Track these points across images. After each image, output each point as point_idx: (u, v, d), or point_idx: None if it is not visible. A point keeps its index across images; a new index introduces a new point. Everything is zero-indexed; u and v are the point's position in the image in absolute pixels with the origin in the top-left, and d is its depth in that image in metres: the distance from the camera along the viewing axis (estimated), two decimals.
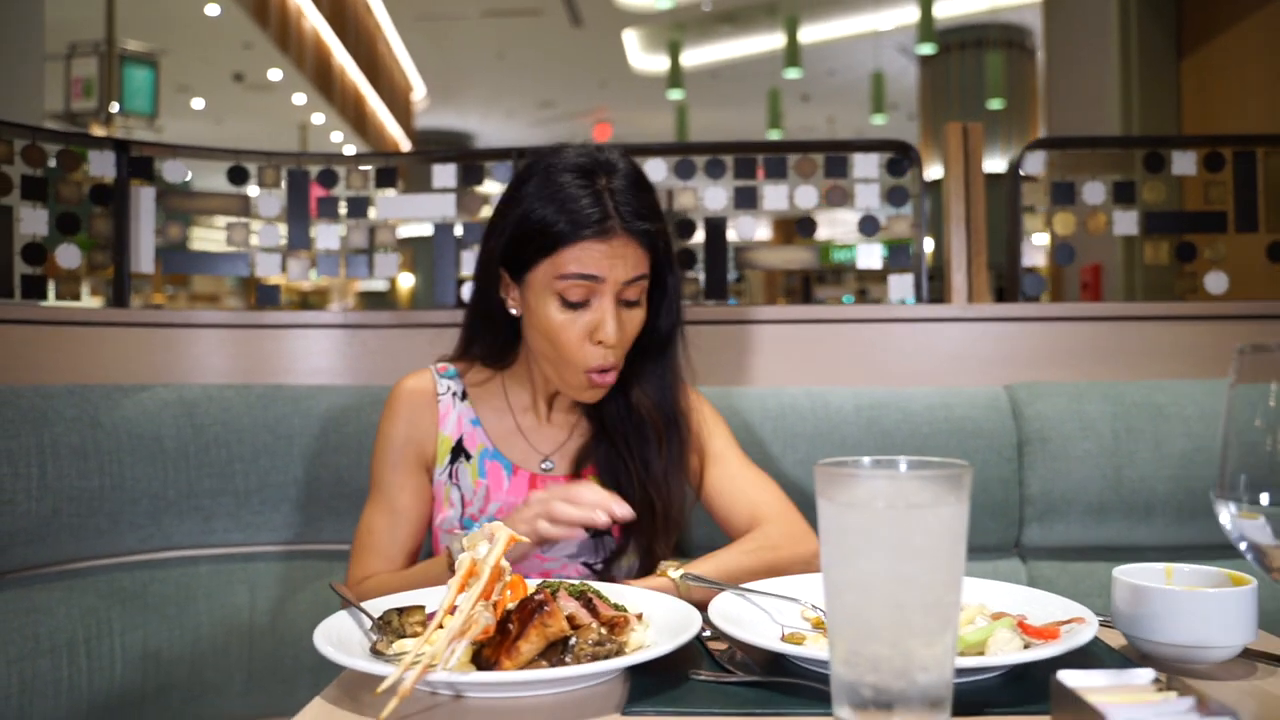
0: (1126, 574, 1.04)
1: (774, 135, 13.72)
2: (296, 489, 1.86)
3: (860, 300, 13.71)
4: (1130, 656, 1.02)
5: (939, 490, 0.74)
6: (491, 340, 1.54)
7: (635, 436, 1.50)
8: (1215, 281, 2.15)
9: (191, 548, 1.84)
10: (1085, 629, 0.96)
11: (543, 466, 1.53)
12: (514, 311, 1.47)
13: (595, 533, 1.48)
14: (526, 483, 1.51)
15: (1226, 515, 0.77)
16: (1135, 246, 4.40)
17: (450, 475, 1.52)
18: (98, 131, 7.02)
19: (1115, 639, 1.09)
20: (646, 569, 1.50)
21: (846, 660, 0.75)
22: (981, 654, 0.93)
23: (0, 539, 1.60)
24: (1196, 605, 0.97)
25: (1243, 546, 0.77)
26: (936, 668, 0.74)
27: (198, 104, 12.99)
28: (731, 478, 1.58)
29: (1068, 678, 0.76)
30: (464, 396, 1.55)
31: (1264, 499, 0.74)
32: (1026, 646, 0.95)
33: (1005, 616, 1.00)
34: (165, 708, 1.76)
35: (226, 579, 1.85)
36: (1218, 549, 1.87)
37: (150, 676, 1.74)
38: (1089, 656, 0.98)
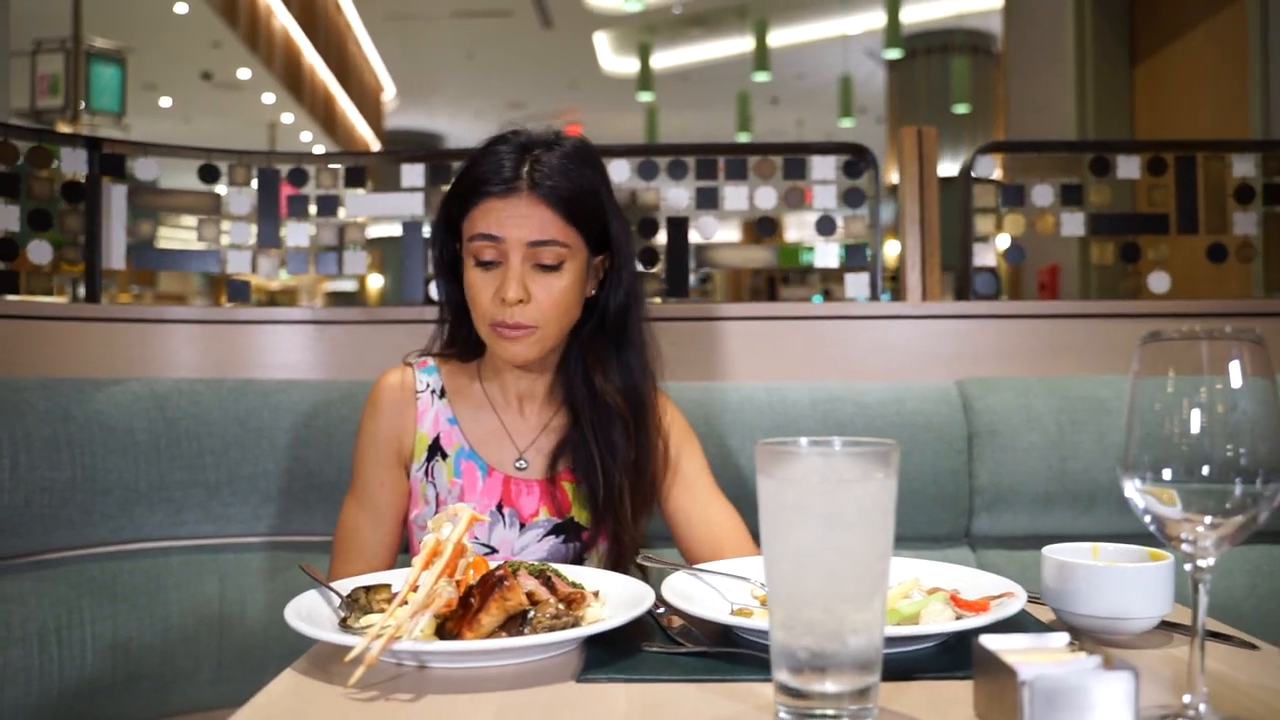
0: (1054, 552, 1.11)
1: (743, 138, 13.81)
2: (266, 482, 1.90)
3: (827, 300, 13.81)
4: (1057, 628, 1.08)
5: (868, 466, 0.80)
6: (462, 330, 1.56)
7: (602, 423, 1.51)
8: (1158, 281, 2.24)
9: (162, 539, 1.88)
10: (1014, 602, 1.02)
11: (517, 466, 1.53)
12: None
13: (563, 531, 1.52)
14: (501, 484, 1.51)
15: (1132, 489, 0.83)
16: (1089, 247, 4.50)
17: (426, 473, 1.52)
18: (64, 129, 6.99)
19: (1045, 614, 1.15)
20: (616, 556, 1.54)
21: (784, 624, 0.81)
22: (914, 622, 1.00)
23: None
24: (1117, 579, 1.03)
25: (1147, 519, 0.84)
26: (867, 631, 0.79)
27: (165, 102, 12.91)
28: (702, 506, 1.58)
29: (989, 641, 0.82)
30: (442, 394, 1.56)
31: (1165, 475, 0.80)
32: (958, 618, 1.01)
33: (939, 591, 1.06)
34: (135, 696, 1.79)
35: (197, 570, 1.88)
36: (1154, 537, 1.94)
37: (120, 666, 1.77)
38: (1016, 627, 1.04)
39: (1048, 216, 2.25)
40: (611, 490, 1.49)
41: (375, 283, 13.61)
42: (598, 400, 1.51)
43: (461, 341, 1.57)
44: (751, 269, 2.40)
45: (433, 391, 1.55)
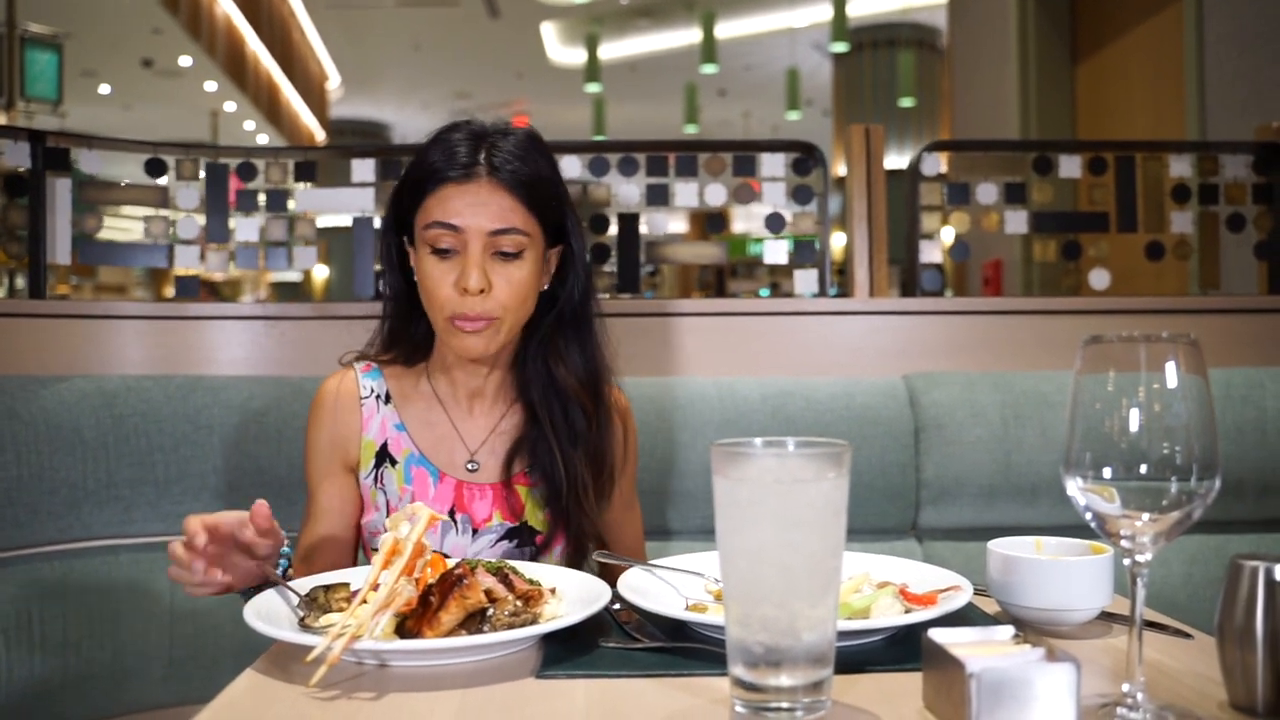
0: (999, 546, 1.14)
1: (690, 130, 13.86)
2: (216, 478, 1.89)
3: (774, 294, 13.94)
4: (1003, 621, 1.12)
5: (821, 466, 0.82)
6: (409, 329, 1.52)
7: (564, 413, 1.48)
8: (1098, 278, 2.30)
9: (111, 537, 1.86)
10: (961, 595, 1.05)
11: (468, 468, 1.50)
12: (416, 278, 1.45)
13: (516, 536, 1.49)
14: (453, 489, 1.47)
15: (1074, 488, 0.87)
16: (1032, 244, 4.59)
17: (376, 479, 1.48)
18: (0, 118, 6.84)
19: (990, 606, 1.19)
20: (576, 549, 1.53)
21: (740, 621, 0.83)
22: (865, 616, 1.02)
23: None
24: (1059, 572, 1.07)
25: (1088, 516, 0.87)
26: (820, 626, 0.82)
27: (104, 90, 12.66)
28: (620, 510, 1.60)
29: (937, 635, 0.85)
30: (388, 399, 1.51)
31: (1106, 473, 0.84)
32: (907, 612, 1.04)
33: (889, 585, 1.09)
34: (87, 696, 1.78)
35: (147, 568, 1.87)
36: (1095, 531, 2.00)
37: (72, 666, 1.76)
38: (963, 620, 1.07)
39: (992, 214, 2.30)
40: (574, 482, 1.47)
41: (321, 274, 13.48)
42: (559, 390, 1.48)
43: (405, 341, 1.53)
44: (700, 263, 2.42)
45: (377, 397, 1.51)
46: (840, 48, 11.14)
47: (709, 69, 11.70)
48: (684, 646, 1.01)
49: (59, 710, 1.75)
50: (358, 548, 1.54)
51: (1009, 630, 0.87)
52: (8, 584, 1.74)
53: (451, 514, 1.47)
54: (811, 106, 15.27)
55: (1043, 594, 1.07)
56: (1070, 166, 2.30)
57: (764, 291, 14.11)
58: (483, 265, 1.36)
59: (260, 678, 0.95)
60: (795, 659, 0.81)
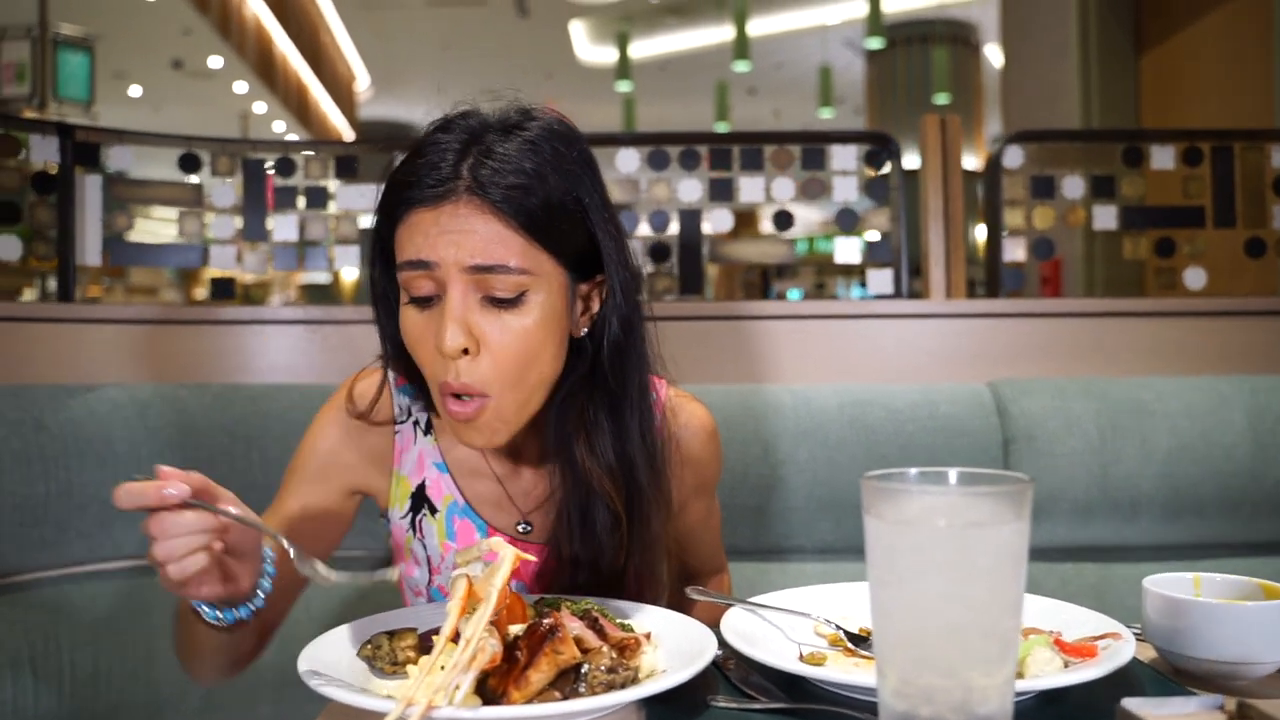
0: (1158, 585, 0.99)
1: (721, 128, 13.70)
2: (256, 495, 1.75)
3: (818, 295, 13.73)
4: (1161, 669, 0.98)
5: (999, 507, 0.68)
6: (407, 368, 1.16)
7: (579, 509, 1.14)
8: (1194, 277, 2.14)
9: (144, 557, 1.74)
10: (1124, 646, 0.91)
11: (519, 529, 1.21)
12: None
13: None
14: (497, 537, 1.17)
15: None
16: (1097, 241, 4.42)
17: (413, 526, 1.21)
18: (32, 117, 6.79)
19: (1143, 650, 1.04)
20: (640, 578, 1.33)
21: (898, 692, 0.69)
22: (1020, 675, 0.88)
23: None
24: (1236, 619, 0.92)
25: None
26: (998, 699, 0.68)
27: (135, 91, 12.66)
28: (702, 531, 1.37)
29: (1135, 706, 0.70)
30: (428, 429, 1.21)
31: None
32: (1066, 665, 0.90)
33: (1039, 633, 0.95)
34: None
35: None
36: (1204, 548, 1.85)
37: (102, 696, 1.64)
38: (1127, 674, 0.93)
39: (1078, 210, 2.14)
40: (615, 559, 1.16)
41: (350, 275, 13.41)
42: (579, 479, 1.14)
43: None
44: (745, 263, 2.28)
45: (415, 423, 1.21)
46: (875, 44, 10.96)
47: (741, 67, 11.53)
48: (808, 709, 0.87)
49: None
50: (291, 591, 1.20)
51: (1214, 700, 0.73)
52: (35, 608, 1.62)
53: None
54: (844, 104, 15.08)
55: (1217, 643, 0.92)
56: (1162, 158, 2.14)
57: (794, 294, 13.92)
58: (464, 316, 1.00)
59: None
60: None
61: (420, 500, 1.20)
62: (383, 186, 1.08)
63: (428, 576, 1.23)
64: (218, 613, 0.97)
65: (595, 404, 1.12)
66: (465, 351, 1.01)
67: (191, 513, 0.89)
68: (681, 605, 1.27)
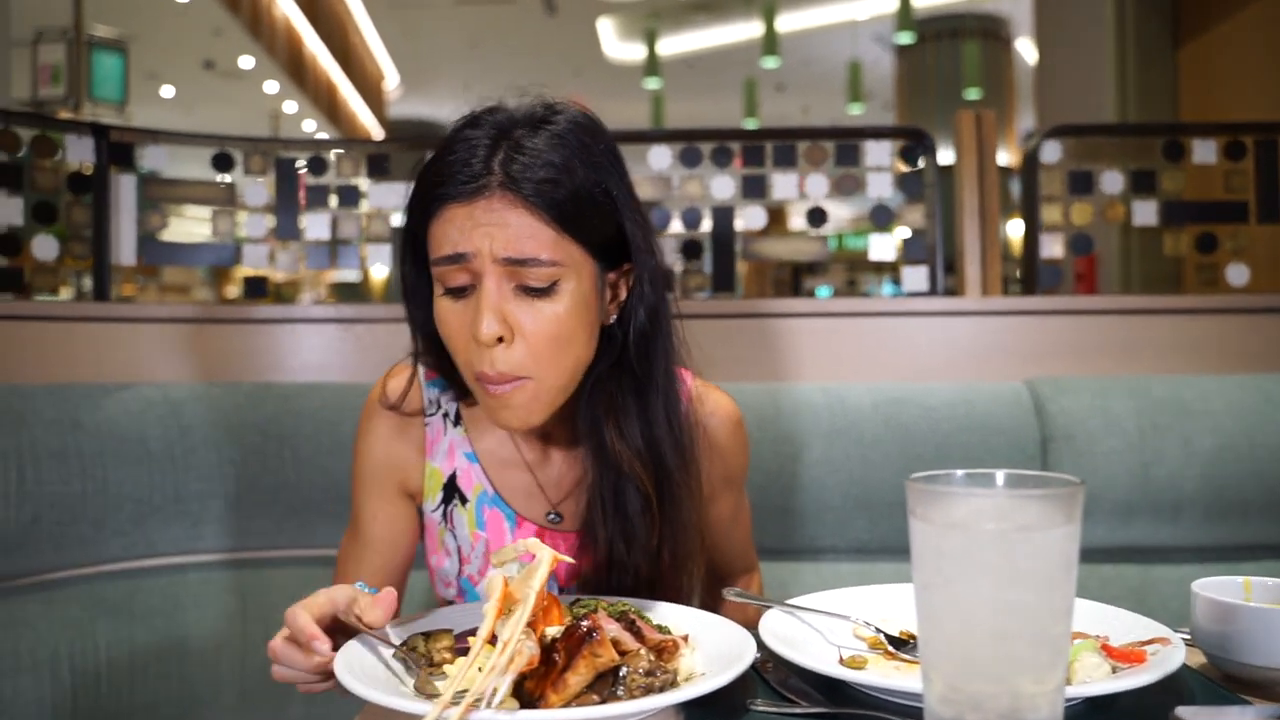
0: (1207, 589, 0.97)
1: (750, 125, 13.66)
2: (288, 492, 1.77)
3: (849, 293, 13.65)
4: (1211, 676, 0.95)
5: (1049, 510, 0.67)
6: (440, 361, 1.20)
7: (610, 492, 1.17)
8: (1236, 273, 2.10)
9: (179, 554, 1.75)
10: (1174, 652, 0.89)
11: (549, 518, 1.24)
12: None
13: (607, 591, 1.21)
14: (532, 536, 1.22)
15: None
16: (1133, 237, 4.35)
17: (445, 517, 1.24)
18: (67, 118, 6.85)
19: (1192, 656, 1.02)
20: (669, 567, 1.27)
21: (945, 698, 0.68)
22: (1067, 680, 0.86)
23: None
24: None
25: None
26: (1048, 707, 0.66)
27: (167, 92, 12.77)
28: (732, 527, 1.37)
29: (1190, 715, 0.69)
30: (457, 420, 1.24)
31: None
32: (1114, 671, 0.88)
33: (1085, 638, 0.93)
34: None
35: (216, 587, 1.76)
36: (1247, 549, 1.82)
37: (138, 691, 1.65)
38: (1177, 681, 0.91)
39: (1117, 205, 2.11)
40: (645, 549, 1.18)
41: (380, 274, 13.47)
42: (609, 460, 1.16)
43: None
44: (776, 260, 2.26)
45: (445, 415, 1.24)
46: (906, 39, 10.89)
47: (770, 63, 11.47)
48: (851, 714, 0.85)
49: None
50: (407, 574, 1.31)
51: (1271, 709, 0.71)
52: (71, 604, 1.63)
53: None
54: (873, 100, 14.99)
55: (1270, 650, 0.90)
56: (1204, 151, 2.10)
57: (824, 291, 13.85)
58: (499, 305, 1.03)
59: None
60: None
61: (451, 490, 1.23)
62: (413, 184, 1.10)
63: (457, 567, 1.25)
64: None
65: (623, 389, 1.16)
66: (500, 340, 1.04)
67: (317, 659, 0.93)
68: (713, 606, 1.26)
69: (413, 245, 1.13)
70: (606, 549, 1.18)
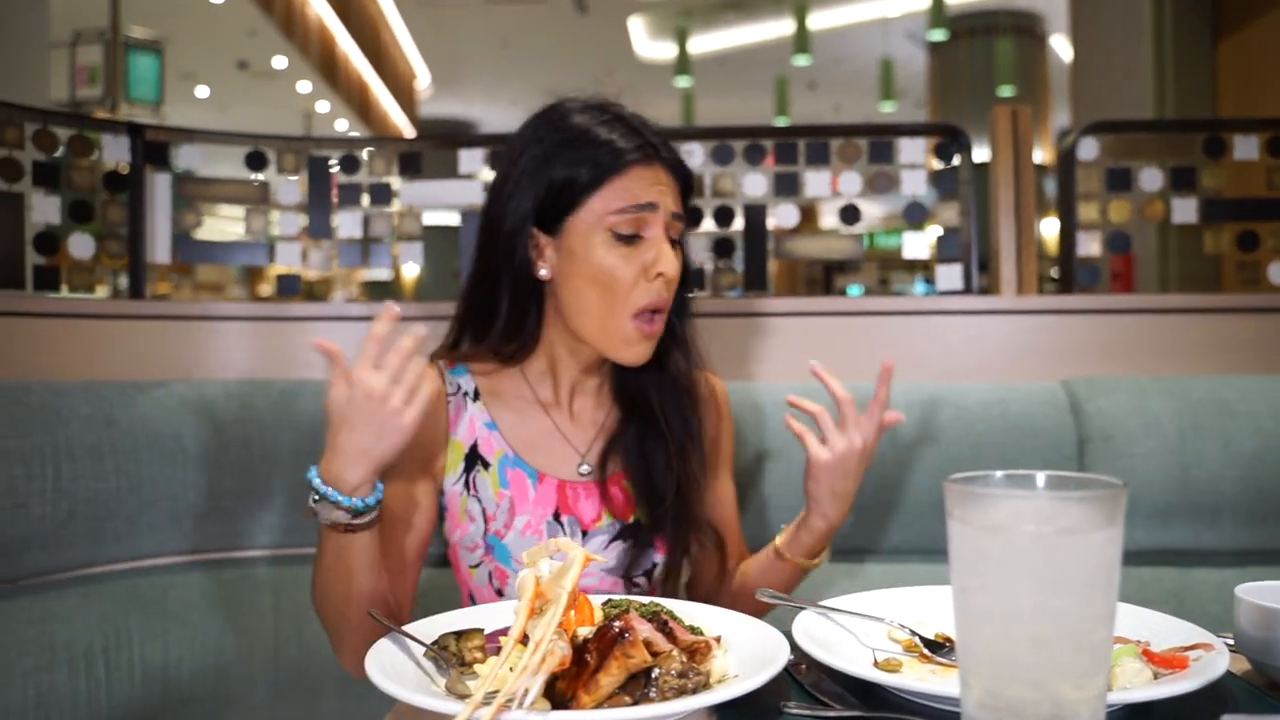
0: (1251, 594, 0.95)
1: (781, 123, 13.61)
2: None
3: (881, 291, 13.58)
4: (1255, 683, 0.93)
5: (1090, 513, 0.66)
6: (508, 328, 1.37)
7: (673, 408, 1.38)
8: (1278, 272, 2.06)
9: (213, 551, 1.76)
10: (1217, 658, 0.87)
11: (581, 471, 1.39)
12: (543, 274, 1.33)
13: (630, 535, 1.37)
14: (555, 490, 1.36)
15: None
16: (1171, 235, 4.29)
17: (467, 485, 1.36)
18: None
19: (1235, 662, 1.00)
20: (674, 550, 1.40)
21: (983, 703, 0.67)
22: (1109, 686, 0.85)
23: (14, 544, 1.52)
24: None
25: None
26: (1089, 714, 0.65)
27: (202, 92, 12.88)
28: (727, 503, 1.53)
29: None
30: (476, 396, 1.39)
31: None
32: (1155, 677, 0.86)
33: (1126, 643, 0.91)
34: None
35: (250, 585, 1.76)
36: None
37: (172, 688, 1.66)
38: (1220, 688, 0.89)
39: (1156, 202, 2.08)
40: (689, 477, 1.38)
41: (411, 272, 13.53)
42: (674, 381, 1.40)
43: (514, 339, 1.37)
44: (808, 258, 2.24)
45: (465, 394, 1.39)
46: (939, 36, 10.81)
47: (802, 60, 11.42)
48: (885, 718, 0.84)
49: None
50: (423, 559, 1.39)
51: None
52: (106, 600, 1.64)
53: (556, 517, 1.35)
54: (905, 98, 14.89)
55: None
56: (1246, 148, 2.06)
57: (855, 290, 13.78)
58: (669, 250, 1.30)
59: None
60: None
61: (473, 459, 1.36)
62: (561, 149, 1.31)
63: (483, 528, 1.35)
64: (355, 500, 1.15)
65: (683, 327, 1.41)
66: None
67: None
68: (735, 604, 1.26)
69: (539, 216, 1.32)
70: (645, 497, 1.37)
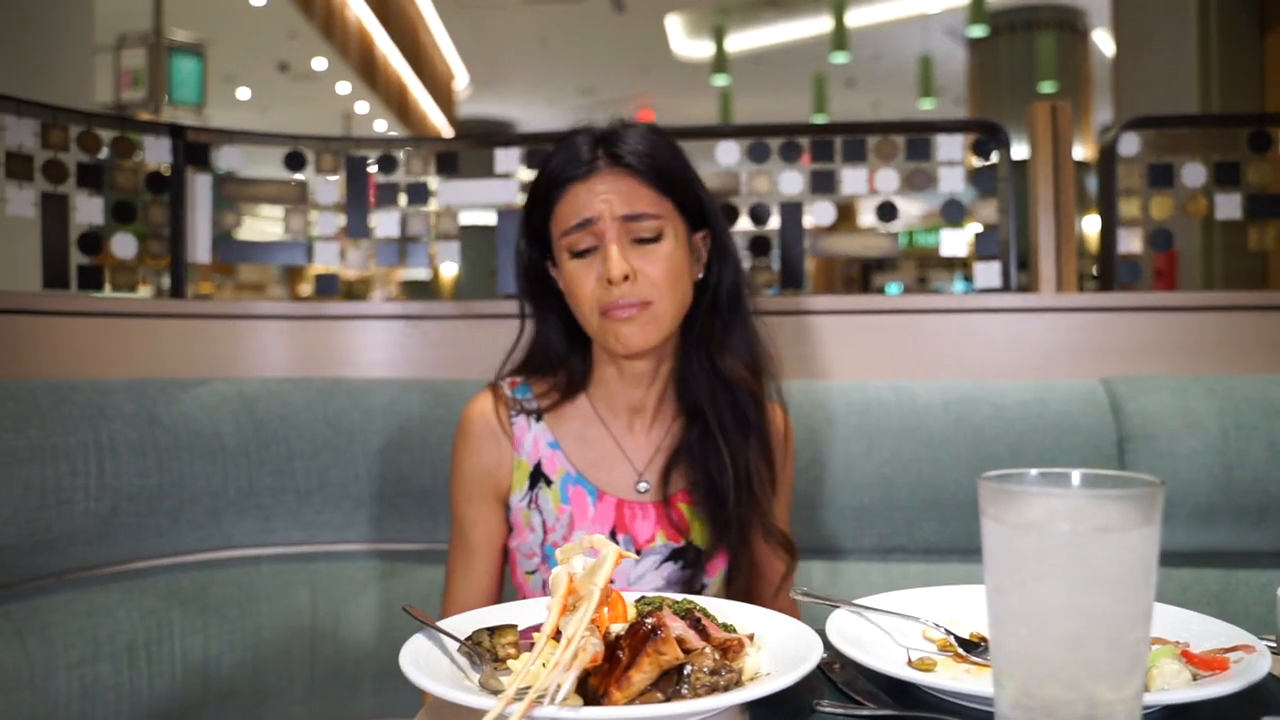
0: None
1: (819, 121, 13.54)
2: (358, 486, 1.80)
3: (919, 289, 13.48)
4: None
5: (1127, 511, 0.65)
6: (565, 355, 1.45)
7: (729, 406, 1.38)
8: None
9: (252, 547, 1.79)
10: (1259, 660, 0.86)
11: (639, 489, 1.42)
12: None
13: (681, 557, 1.39)
14: (614, 509, 1.39)
15: None
16: (1215, 232, 4.22)
17: (531, 501, 1.42)
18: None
19: (1277, 664, 0.98)
20: (735, 565, 1.41)
21: (1017, 703, 0.66)
22: (1145, 687, 0.84)
23: (59, 539, 1.55)
24: None
25: None
26: (1125, 715, 0.64)
27: (243, 94, 13.03)
28: (783, 524, 1.51)
29: None
30: (539, 416, 1.44)
31: None
32: (1194, 679, 0.85)
33: (1165, 644, 0.90)
34: (226, 714, 1.70)
35: (288, 580, 1.78)
36: None
37: (212, 682, 1.68)
38: (1262, 690, 0.88)
39: (1199, 199, 2.05)
40: (748, 478, 1.37)
41: (449, 271, 13.61)
42: (725, 380, 1.39)
43: (561, 368, 1.45)
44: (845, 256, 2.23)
45: (528, 414, 1.44)
46: (979, 31, 10.71)
47: (840, 58, 11.36)
48: (919, 717, 0.84)
49: None
50: (498, 581, 1.48)
51: None
52: (148, 594, 1.67)
53: (613, 535, 1.38)
54: (944, 95, 14.77)
55: None
56: None
57: (894, 288, 13.69)
58: (623, 253, 1.30)
59: None
60: None
61: (537, 477, 1.41)
62: (528, 194, 1.41)
63: (541, 537, 1.41)
64: None
65: (723, 322, 1.41)
66: (625, 279, 1.29)
67: None
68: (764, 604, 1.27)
69: (533, 241, 1.41)
70: (711, 506, 1.38)
